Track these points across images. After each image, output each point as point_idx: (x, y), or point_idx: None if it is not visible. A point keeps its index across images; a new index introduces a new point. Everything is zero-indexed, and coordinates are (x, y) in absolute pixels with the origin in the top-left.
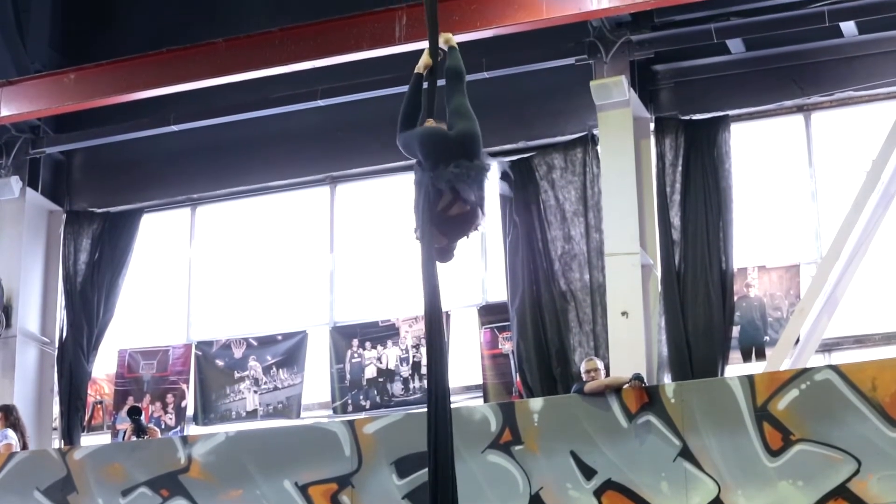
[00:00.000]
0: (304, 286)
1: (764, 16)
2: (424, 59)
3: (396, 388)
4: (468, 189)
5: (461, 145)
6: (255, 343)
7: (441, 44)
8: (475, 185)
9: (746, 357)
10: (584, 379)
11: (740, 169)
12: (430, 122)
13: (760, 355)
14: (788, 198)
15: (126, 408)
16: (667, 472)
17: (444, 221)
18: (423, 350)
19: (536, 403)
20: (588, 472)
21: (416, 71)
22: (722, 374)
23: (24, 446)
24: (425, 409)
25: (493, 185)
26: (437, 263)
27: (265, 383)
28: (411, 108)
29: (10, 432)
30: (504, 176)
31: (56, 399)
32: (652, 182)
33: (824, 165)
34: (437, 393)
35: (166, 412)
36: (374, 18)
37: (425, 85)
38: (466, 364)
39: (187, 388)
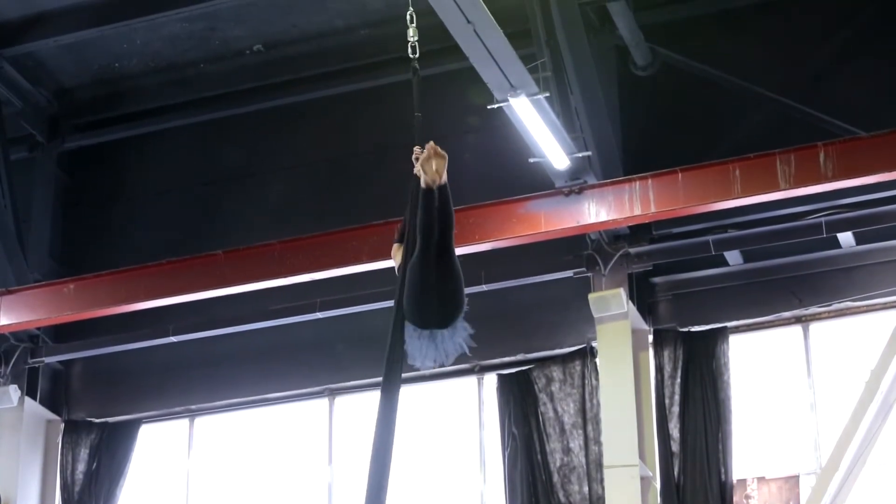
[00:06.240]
0: (302, 498)
1: (761, 228)
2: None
3: None
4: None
5: (444, 315)
6: None
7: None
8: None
9: None
10: None
11: (739, 380)
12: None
13: None
14: (787, 408)
15: None
16: None
17: None
18: None
19: None
20: None
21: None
22: None
23: None
24: None
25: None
26: None
27: None
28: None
29: None
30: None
31: None
32: (651, 394)
33: (823, 376)
34: None
35: None
36: (373, 231)
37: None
38: None
39: None
